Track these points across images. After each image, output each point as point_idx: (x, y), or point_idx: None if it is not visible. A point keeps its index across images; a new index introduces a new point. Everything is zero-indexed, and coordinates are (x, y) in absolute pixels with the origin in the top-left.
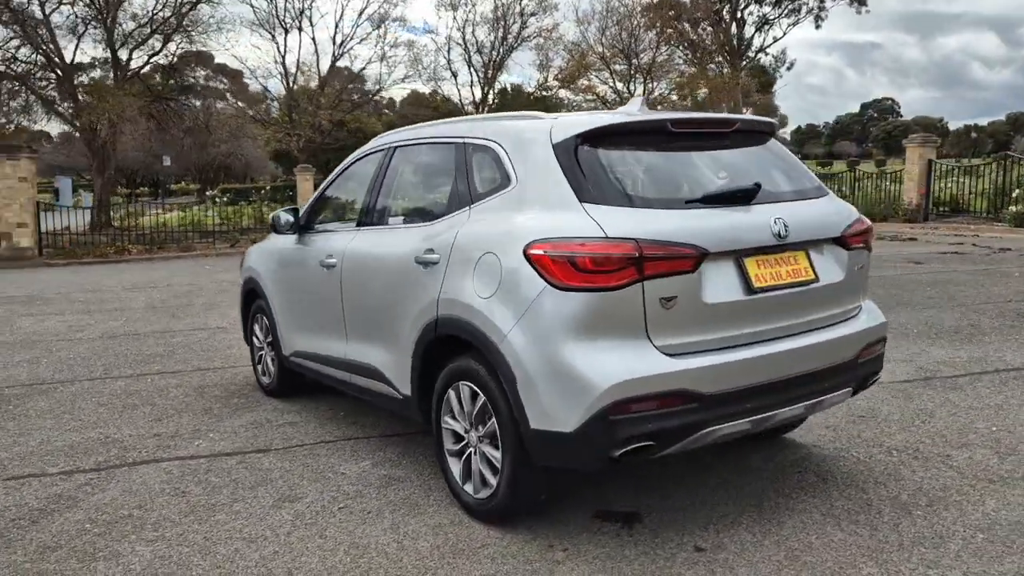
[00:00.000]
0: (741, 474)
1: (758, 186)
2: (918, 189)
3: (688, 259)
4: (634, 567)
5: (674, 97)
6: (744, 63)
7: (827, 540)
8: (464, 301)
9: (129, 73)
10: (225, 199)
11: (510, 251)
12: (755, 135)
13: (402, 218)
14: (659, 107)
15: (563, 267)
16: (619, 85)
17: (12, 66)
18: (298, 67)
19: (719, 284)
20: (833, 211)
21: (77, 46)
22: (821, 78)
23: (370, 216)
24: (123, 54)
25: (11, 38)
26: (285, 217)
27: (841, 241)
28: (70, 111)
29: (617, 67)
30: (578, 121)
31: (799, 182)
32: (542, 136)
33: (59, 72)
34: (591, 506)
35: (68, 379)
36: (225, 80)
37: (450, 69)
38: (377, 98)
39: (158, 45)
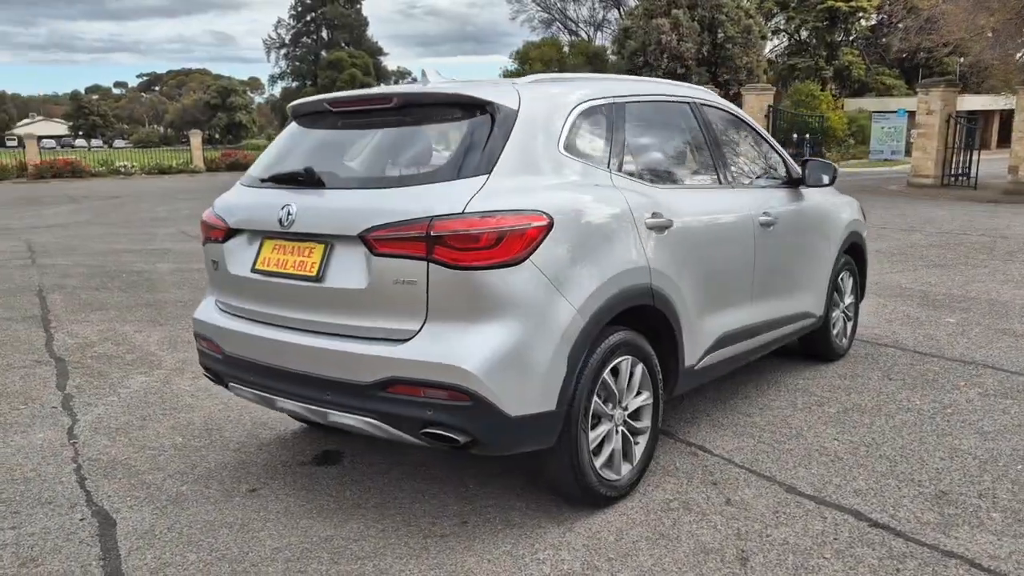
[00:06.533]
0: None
1: (307, 171)
2: None
3: (218, 230)
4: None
5: None
6: None
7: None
8: None
9: None
10: None
11: None
12: (434, 109)
13: None
14: None
15: None
16: None
17: None
18: None
19: (240, 258)
20: (392, 204)
21: None
22: None
23: None
24: None
25: None
26: None
27: (366, 242)
28: None
29: None
30: None
31: (419, 166)
32: None
33: None
34: (345, 445)
35: None
36: None
37: None
38: None
39: None
